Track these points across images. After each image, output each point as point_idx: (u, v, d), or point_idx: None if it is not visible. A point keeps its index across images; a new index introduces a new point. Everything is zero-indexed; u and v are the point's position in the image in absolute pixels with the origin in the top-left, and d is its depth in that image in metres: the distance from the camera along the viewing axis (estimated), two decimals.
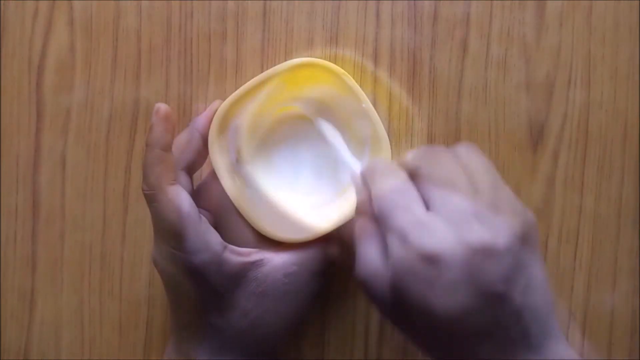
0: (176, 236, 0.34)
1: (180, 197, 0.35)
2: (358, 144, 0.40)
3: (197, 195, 0.38)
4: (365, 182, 0.32)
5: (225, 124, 0.39)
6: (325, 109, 0.41)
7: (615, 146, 0.45)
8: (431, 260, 0.27)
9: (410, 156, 0.32)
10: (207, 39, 0.44)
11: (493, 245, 0.27)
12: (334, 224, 0.38)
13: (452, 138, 0.44)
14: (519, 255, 0.28)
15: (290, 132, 0.42)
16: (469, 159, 0.31)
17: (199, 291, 0.35)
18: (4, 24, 0.45)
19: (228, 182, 0.38)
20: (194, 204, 0.35)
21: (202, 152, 0.38)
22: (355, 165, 0.38)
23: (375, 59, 0.44)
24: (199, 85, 0.44)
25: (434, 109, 0.44)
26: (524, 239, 0.28)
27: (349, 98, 0.39)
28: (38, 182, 0.45)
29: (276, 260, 0.36)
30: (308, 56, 0.42)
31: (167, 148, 0.35)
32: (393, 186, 0.30)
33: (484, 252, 0.27)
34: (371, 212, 0.31)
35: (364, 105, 0.38)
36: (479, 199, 0.29)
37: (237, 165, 0.40)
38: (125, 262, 0.45)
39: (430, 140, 0.44)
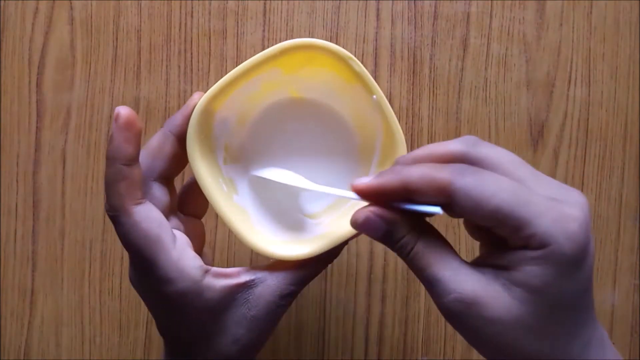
0: (147, 263, 0.29)
1: (148, 219, 0.30)
2: (367, 139, 0.35)
3: (182, 201, 0.34)
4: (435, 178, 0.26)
5: (207, 121, 0.32)
6: (328, 98, 0.35)
7: (615, 145, 0.45)
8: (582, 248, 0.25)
9: (451, 144, 0.28)
10: (207, 37, 0.44)
11: (586, 212, 0.25)
12: (339, 238, 0.32)
13: (452, 136, 0.44)
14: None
15: (291, 126, 0.36)
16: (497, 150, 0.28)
17: (177, 320, 0.31)
18: (5, 22, 0.45)
19: (212, 190, 0.32)
20: (166, 224, 0.30)
21: (180, 156, 0.32)
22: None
23: (376, 58, 0.44)
24: (199, 83, 0.44)
25: (434, 107, 0.44)
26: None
27: (356, 87, 0.33)
28: (38, 181, 0.45)
29: (270, 280, 0.32)
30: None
31: (131, 160, 0.30)
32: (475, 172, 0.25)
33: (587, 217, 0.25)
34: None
35: (374, 97, 0.32)
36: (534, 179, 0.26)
37: (224, 168, 0.34)
38: (125, 260, 0.45)
39: (431, 139, 0.44)
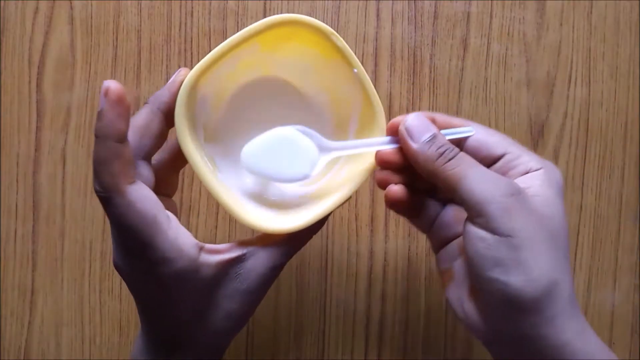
0: (142, 245, 0.28)
1: (143, 199, 0.28)
2: (343, 111, 0.35)
3: (156, 180, 0.32)
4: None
5: (194, 96, 0.32)
6: (305, 74, 0.35)
7: (615, 144, 0.45)
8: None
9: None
10: (208, 37, 0.44)
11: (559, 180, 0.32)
12: (322, 212, 0.33)
13: None
14: None
15: (265, 104, 0.36)
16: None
17: (174, 300, 0.30)
18: (5, 22, 0.45)
19: (201, 166, 0.31)
20: (159, 203, 0.29)
21: (165, 133, 0.32)
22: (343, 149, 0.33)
23: (376, 58, 0.44)
24: None
25: (435, 107, 0.44)
26: None
27: (335, 61, 0.33)
28: (38, 181, 0.45)
29: (261, 253, 0.32)
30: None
31: (123, 138, 0.28)
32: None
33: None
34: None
35: (355, 70, 0.32)
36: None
37: (205, 146, 0.33)
38: None
39: None
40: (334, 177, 0.35)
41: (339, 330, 0.44)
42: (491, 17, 0.44)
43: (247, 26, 0.32)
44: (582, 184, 0.45)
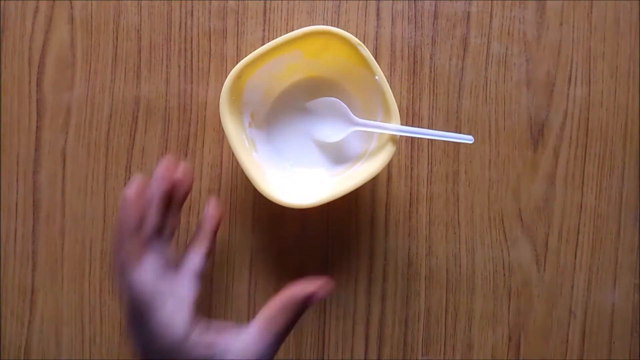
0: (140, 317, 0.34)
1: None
2: (370, 114, 0.41)
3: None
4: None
5: (238, 86, 0.39)
6: (339, 78, 0.42)
7: (615, 144, 0.45)
8: None
9: None
10: (208, 36, 0.44)
11: None
12: (338, 193, 0.38)
13: None
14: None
15: (302, 101, 0.42)
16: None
17: None
18: (5, 21, 0.45)
19: (237, 144, 0.38)
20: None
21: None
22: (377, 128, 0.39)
23: (376, 57, 0.44)
24: (199, 83, 0.44)
25: (435, 106, 0.44)
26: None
27: (362, 69, 0.39)
28: (38, 180, 0.45)
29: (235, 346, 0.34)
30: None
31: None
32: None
33: None
34: None
35: (376, 77, 0.38)
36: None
37: (248, 130, 0.40)
38: None
39: None
40: (353, 172, 0.40)
41: (339, 330, 0.44)
42: (491, 16, 0.44)
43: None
44: (582, 183, 0.45)
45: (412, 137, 0.44)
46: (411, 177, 0.44)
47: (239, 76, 0.38)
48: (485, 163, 0.44)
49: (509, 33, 0.44)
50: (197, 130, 0.44)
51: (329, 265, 0.44)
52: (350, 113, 0.40)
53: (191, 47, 0.44)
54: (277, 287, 0.44)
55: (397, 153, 0.44)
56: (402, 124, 0.40)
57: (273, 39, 0.44)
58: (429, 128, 0.44)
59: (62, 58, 0.45)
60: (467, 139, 0.38)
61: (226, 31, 0.44)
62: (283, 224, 0.44)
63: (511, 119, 0.44)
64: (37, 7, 0.45)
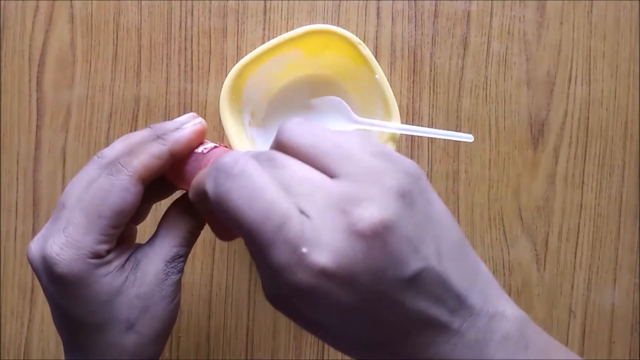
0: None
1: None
2: (370, 113, 0.41)
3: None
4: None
5: (238, 85, 0.39)
6: (339, 78, 0.42)
7: (615, 143, 0.45)
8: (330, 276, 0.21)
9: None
10: (208, 36, 0.44)
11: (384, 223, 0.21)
12: None
13: None
14: (412, 216, 0.22)
15: (302, 100, 0.42)
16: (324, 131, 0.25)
17: (74, 307, 0.29)
18: (5, 20, 0.45)
19: (237, 144, 0.38)
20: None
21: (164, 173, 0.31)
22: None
23: (376, 56, 0.44)
24: (199, 82, 0.44)
25: (435, 106, 0.44)
26: (406, 195, 0.23)
27: (362, 69, 0.39)
28: (38, 179, 0.45)
29: (150, 251, 0.30)
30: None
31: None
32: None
33: (378, 235, 0.21)
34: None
35: (376, 76, 0.38)
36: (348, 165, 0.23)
37: (248, 128, 0.41)
38: None
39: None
40: None
41: None
42: (491, 15, 0.44)
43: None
44: (582, 182, 0.45)
45: (412, 136, 0.44)
46: None
47: (239, 75, 0.38)
48: (485, 162, 0.44)
49: (509, 32, 0.44)
50: None
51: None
52: (351, 111, 0.40)
53: (191, 46, 0.44)
54: None
55: (397, 152, 0.44)
56: (402, 123, 0.40)
57: (273, 38, 0.44)
58: (428, 127, 0.44)
59: (62, 57, 0.45)
60: (467, 137, 0.38)
61: (226, 30, 0.44)
62: None
63: (511, 118, 0.44)
64: (37, 6, 0.45)
